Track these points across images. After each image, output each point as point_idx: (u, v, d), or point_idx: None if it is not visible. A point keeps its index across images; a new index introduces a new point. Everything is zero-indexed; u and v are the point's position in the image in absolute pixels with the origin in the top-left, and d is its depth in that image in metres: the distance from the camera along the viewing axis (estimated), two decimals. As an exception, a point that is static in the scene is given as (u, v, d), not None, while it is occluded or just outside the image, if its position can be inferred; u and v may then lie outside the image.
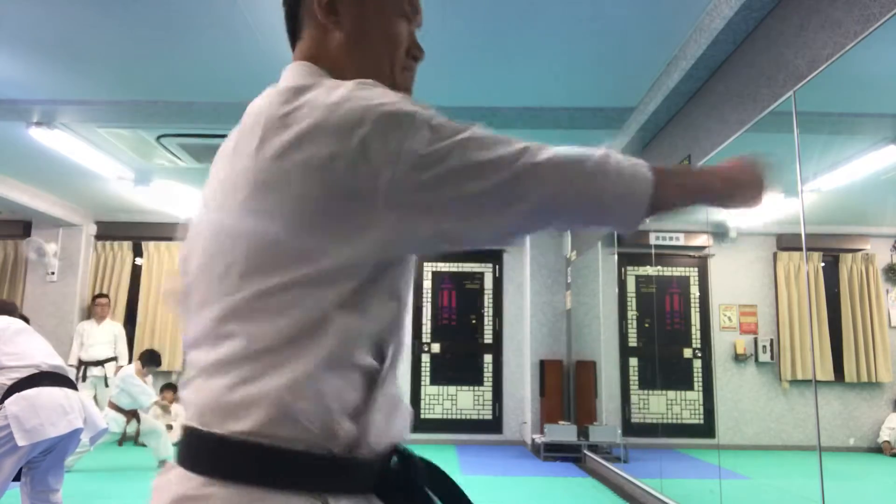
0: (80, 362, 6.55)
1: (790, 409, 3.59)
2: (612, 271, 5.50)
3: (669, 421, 4.73)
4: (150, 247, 7.56)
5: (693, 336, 4.65)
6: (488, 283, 7.64)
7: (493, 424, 7.33)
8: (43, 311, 7.16)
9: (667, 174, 0.73)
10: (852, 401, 3.20)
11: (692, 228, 4.49)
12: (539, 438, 6.27)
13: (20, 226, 7.42)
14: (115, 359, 6.69)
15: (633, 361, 5.45)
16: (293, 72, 0.81)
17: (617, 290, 5.56)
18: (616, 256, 5.51)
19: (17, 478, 2.72)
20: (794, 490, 3.25)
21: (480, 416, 7.36)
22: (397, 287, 0.73)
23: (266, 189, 0.65)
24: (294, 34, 0.86)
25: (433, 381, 7.41)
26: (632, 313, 5.55)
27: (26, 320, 3.02)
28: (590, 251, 6.17)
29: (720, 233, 4.06)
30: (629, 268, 5.40)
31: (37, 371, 2.73)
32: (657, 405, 4.88)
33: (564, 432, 6.15)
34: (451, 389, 7.40)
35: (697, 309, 4.73)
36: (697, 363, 4.66)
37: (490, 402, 7.39)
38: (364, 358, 0.70)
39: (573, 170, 0.69)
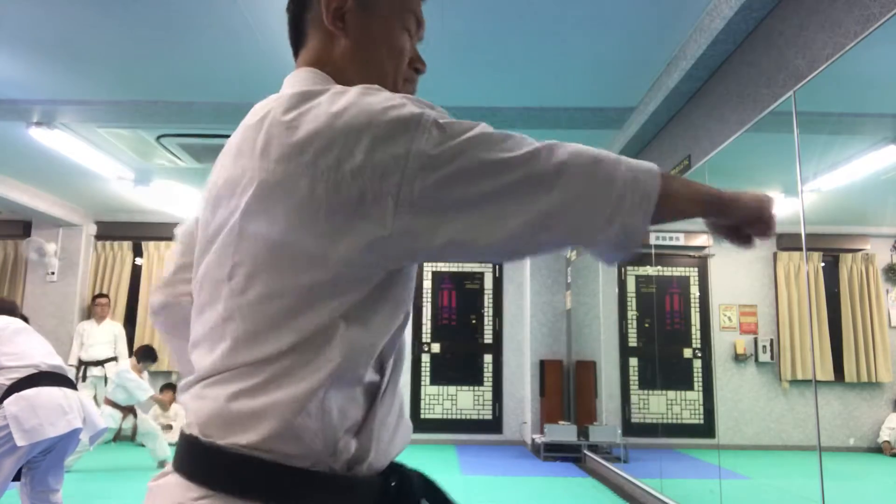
0: (80, 362, 6.55)
1: (790, 409, 3.58)
2: (612, 271, 5.50)
3: (669, 421, 4.73)
4: (150, 247, 7.56)
5: (693, 336, 4.65)
6: (488, 283, 7.64)
7: (493, 424, 7.33)
8: (43, 311, 7.16)
9: (676, 180, 0.71)
10: (852, 401, 3.20)
11: (692, 228, 4.50)
12: (539, 438, 6.27)
13: (20, 226, 7.43)
14: (115, 359, 6.68)
15: (633, 361, 5.45)
16: (298, 77, 0.80)
17: (617, 290, 5.56)
18: (616, 256, 5.49)
19: (17, 478, 2.72)
20: (794, 490, 3.25)
21: (480, 416, 7.36)
22: (402, 298, 0.72)
23: (272, 192, 0.64)
24: (297, 40, 0.85)
25: (433, 381, 7.41)
26: (632, 313, 5.55)
27: (25, 320, 3.02)
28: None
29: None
30: (629, 268, 5.40)
31: (36, 371, 2.73)
32: (657, 405, 4.88)
33: (564, 432, 6.15)
34: (451, 389, 7.40)
35: (697, 309, 4.73)
36: (697, 363, 4.66)
37: (490, 402, 7.39)
38: (367, 372, 0.70)
39: (584, 174, 0.66)
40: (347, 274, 0.65)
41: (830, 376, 3.25)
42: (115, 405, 5.33)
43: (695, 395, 4.69)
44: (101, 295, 7.00)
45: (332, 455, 0.67)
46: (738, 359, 3.83)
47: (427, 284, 7.59)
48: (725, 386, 3.81)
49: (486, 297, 7.61)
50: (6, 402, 2.61)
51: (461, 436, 7.21)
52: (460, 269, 7.63)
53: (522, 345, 7.36)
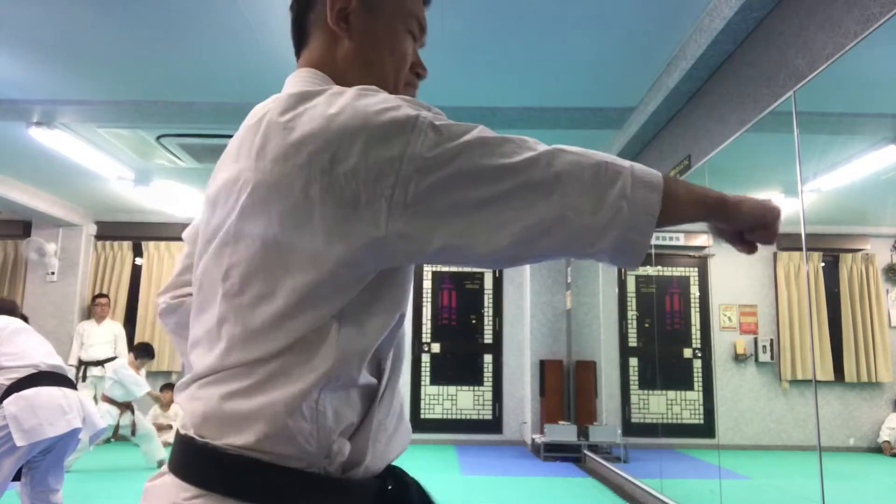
0: (80, 362, 6.56)
1: (790, 409, 3.58)
2: (612, 271, 5.50)
3: (669, 421, 4.73)
4: (150, 247, 7.56)
5: (693, 336, 4.64)
6: (488, 283, 7.64)
7: (493, 424, 7.33)
8: (43, 311, 7.16)
9: (679, 184, 0.69)
10: (852, 401, 3.20)
11: (692, 228, 4.49)
12: (539, 438, 6.27)
13: (20, 226, 7.43)
14: (115, 359, 6.68)
15: (633, 361, 5.45)
16: (298, 78, 0.80)
17: (617, 290, 5.56)
18: (616, 256, 5.49)
19: (17, 478, 2.72)
20: (794, 490, 3.25)
21: (480, 416, 7.36)
22: (397, 300, 0.72)
23: (267, 193, 0.64)
24: (300, 40, 0.85)
25: (433, 381, 7.41)
26: (632, 313, 5.54)
27: (25, 320, 3.02)
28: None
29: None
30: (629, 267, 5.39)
31: (35, 371, 2.73)
32: (657, 405, 4.88)
33: (564, 432, 6.15)
34: (451, 389, 7.40)
35: (697, 309, 4.73)
36: (697, 363, 4.66)
37: (490, 402, 7.39)
38: (363, 374, 0.70)
39: (583, 182, 0.65)
40: (342, 275, 0.64)
41: (830, 376, 3.25)
42: (112, 402, 5.33)
43: (695, 395, 4.69)
44: (101, 295, 7.00)
45: (327, 457, 0.67)
46: (738, 359, 3.83)
47: (427, 284, 7.59)
48: (725, 386, 3.81)
49: (486, 297, 7.61)
50: (6, 402, 2.61)
51: (461, 436, 7.21)
52: (460, 270, 7.62)
53: (522, 345, 7.36)
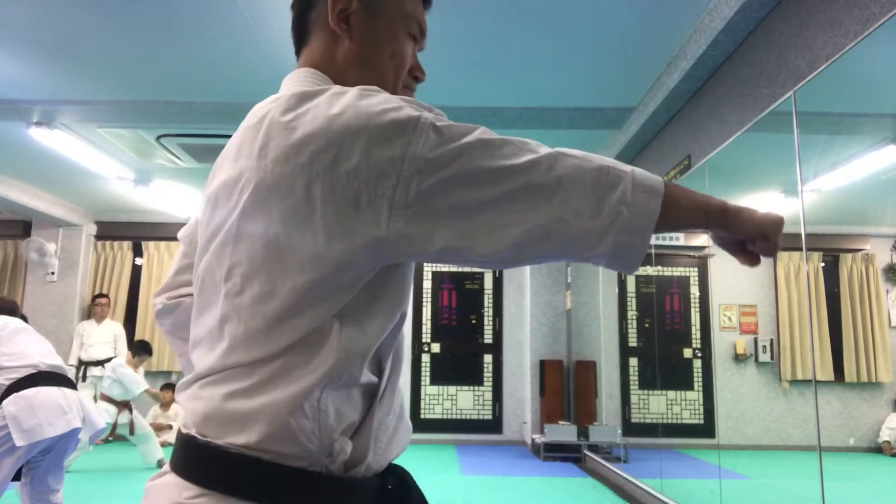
0: (80, 362, 6.56)
1: (790, 409, 3.58)
2: (612, 271, 5.49)
3: (669, 421, 4.73)
4: (150, 247, 7.56)
5: (693, 336, 4.64)
6: (488, 283, 7.64)
7: (493, 424, 7.33)
8: (43, 311, 7.17)
9: (680, 190, 0.69)
10: (852, 401, 3.20)
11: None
12: (539, 438, 6.27)
13: (20, 226, 7.43)
14: (114, 358, 6.69)
15: (633, 361, 5.45)
16: (298, 78, 0.80)
17: (617, 290, 5.56)
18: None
19: (16, 477, 2.72)
20: (794, 490, 3.25)
21: (480, 416, 7.36)
22: (397, 299, 0.72)
23: (269, 193, 0.64)
24: (300, 39, 0.85)
25: (433, 381, 7.41)
26: (632, 313, 5.54)
27: (25, 320, 3.02)
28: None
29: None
30: (629, 268, 5.39)
31: (35, 371, 2.73)
32: (657, 405, 4.88)
33: (564, 432, 6.15)
34: (451, 389, 7.40)
35: (697, 309, 4.73)
36: (697, 363, 4.66)
37: (490, 402, 7.39)
38: (364, 373, 0.70)
39: (583, 187, 0.65)
40: (342, 275, 0.65)
41: (830, 376, 3.25)
42: (110, 400, 5.32)
43: (695, 395, 4.69)
44: (101, 295, 7.00)
45: (329, 456, 0.67)
46: (738, 359, 3.83)
47: (427, 284, 7.59)
48: (725, 386, 3.81)
49: (486, 297, 7.61)
50: (5, 402, 2.61)
51: (461, 436, 7.21)
52: (460, 269, 7.63)
53: (522, 345, 7.36)
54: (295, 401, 0.64)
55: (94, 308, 6.86)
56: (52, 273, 7.27)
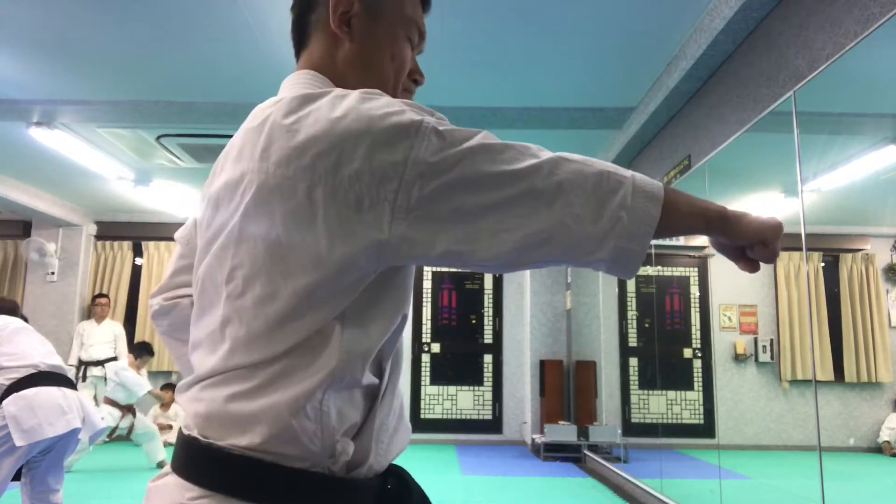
0: (81, 362, 6.55)
1: (790, 409, 3.58)
2: (612, 271, 5.48)
3: (669, 421, 4.73)
4: (150, 247, 7.56)
5: (693, 336, 4.64)
6: (488, 283, 7.64)
7: (493, 424, 7.33)
8: (43, 311, 7.17)
9: (679, 195, 0.69)
10: (852, 401, 3.20)
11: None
12: (539, 438, 6.27)
13: (20, 226, 7.43)
14: (115, 359, 6.68)
15: (633, 361, 5.45)
16: (298, 80, 0.80)
17: (617, 290, 5.56)
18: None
19: (16, 477, 2.72)
20: (794, 490, 3.25)
21: (480, 416, 7.36)
22: (399, 301, 0.72)
23: (271, 195, 0.64)
24: (300, 41, 0.85)
25: (433, 381, 7.41)
26: (632, 313, 5.54)
27: (25, 320, 3.02)
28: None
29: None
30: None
31: (35, 371, 2.73)
32: (657, 405, 4.88)
33: (564, 432, 6.15)
34: (451, 389, 7.40)
35: (697, 309, 4.73)
36: (697, 363, 4.66)
37: (490, 402, 7.39)
38: (365, 375, 0.70)
39: (584, 192, 0.65)
40: (343, 277, 0.65)
41: (830, 376, 3.25)
42: (114, 404, 5.33)
43: (695, 395, 4.69)
44: (101, 295, 7.00)
45: (331, 457, 0.67)
46: (738, 359, 3.83)
47: (427, 284, 7.60)
48: (725, 386, 3.81)
49: (486, 297, 7.61)
50: (5, 402, 2.61)
51: (461, 436, 7.21)
52: (460, 270, 7.62)
53: (522, 345, 7.36)
54: (297, 402, 0.64)
55: (94, 308, 6.86)
56: (52, 273, 7.27)
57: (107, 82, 4.13)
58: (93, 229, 7.58)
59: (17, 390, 2.64)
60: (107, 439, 6.11)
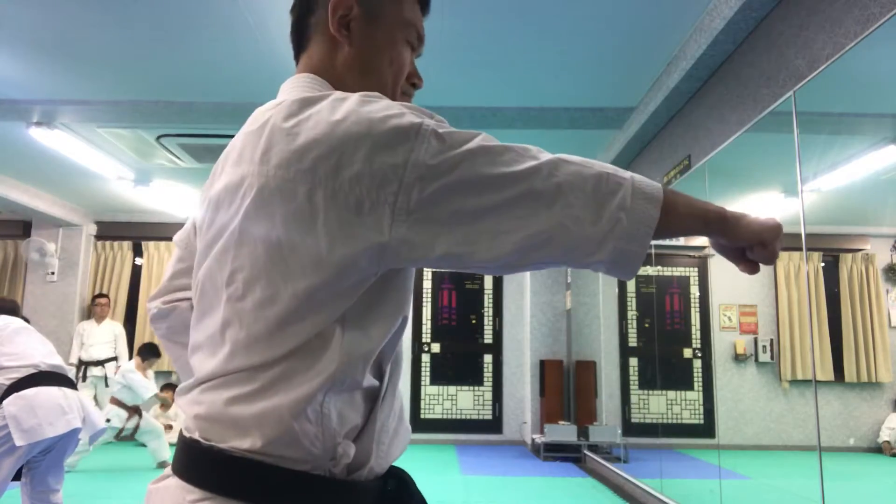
0: (81, 362, 6.55)
1: (790, 409, 3.58)
2: (612, 271, 5.48)
3: (669, 421, 4.73)
4: (150, 247, 7.56)
5: (693, 336, 4.64)
6: (488, 283, 7.64)
7: (493, 424, 7.33)
8: (43, 311, 7.17)
9: (679, 197, 0.69)
10: (852, 401, 3.20)
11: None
12: (539, 438, 6.27)
13: (20, 226, 7.43)
14: (115, 359, 6.69)
15: (633, 361, 5.45)
16: (297, 83, 0.80)
17: (617, 290, 5.56)
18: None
19: (17, 477, 2.72)
20: (794, 490, 3.25)
21: (480, 416, 7.36)
22: (399, 303, 0.72)
23: (271, 198, 0.64)
24: (299, 43, 0.85)
25: (433, 381, 7.41)
26: (632, 313, 5.54)
27: (27, 321, 3.02)
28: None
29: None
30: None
31: (35, 371, 2.73)
32: (657, 405, 4.88)
33: (564, 432, 6.15)
34: (451, 389, 7.40)
35: (697, 309, 4.73)
36: (697, 363, 4.66)
37: (490, 402, 7.39)
38: (366, 377, 0.70)
39: (583, 194, 0.65)
40: (343, 280, 0.65)
41: (830, 376, 3.25)
42: (120, 404, 5.34)
43: (695, 395, 4.69)
44: (101, 295, 7.00)
45: (332, 459, 0.67)
46: (738, 359, 3.83)
47: (427, 284, 7.60)
48: (725, 386, 3.81)
49: (486, 297, 7.61)
50: (5, 401, 2.61)
51: (461, 436, 7.21)
52: (461, 271, 7.62)
53: (522, 345, 7.36)
54: (298, 405, 0.64)
55: (94, 308, 6.86)
56: (52, 273, 7.27)
57: (107, 82, 4.14)
58: (93, 229, 7.58)
59: (17, 390, 2.64)
60: (113, 440, 6.10)
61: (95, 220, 7.59)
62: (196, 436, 0.67)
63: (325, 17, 0.81)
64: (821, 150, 2.76)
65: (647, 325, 5.34)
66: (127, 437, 5.47)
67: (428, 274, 7.63)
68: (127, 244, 7.64)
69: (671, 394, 4.79)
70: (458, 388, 7.41)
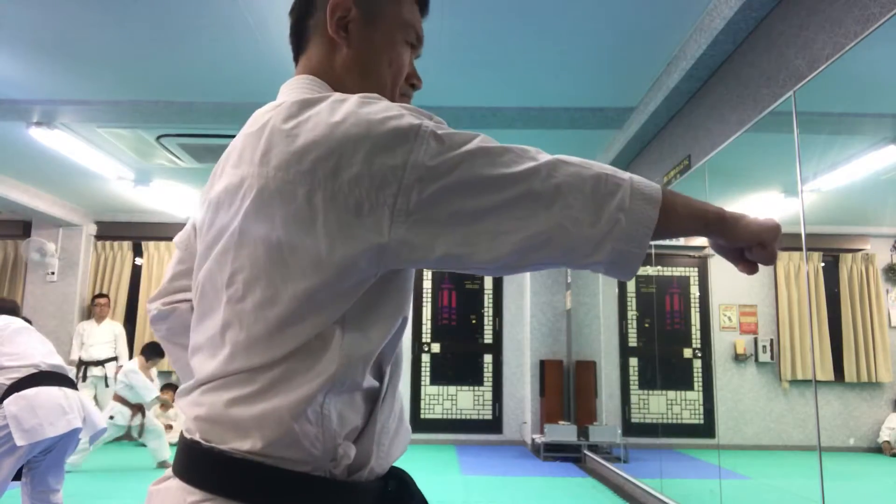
0: (81, 362, 6.56)
1: (790, 409, 3.58)
2: (612, 271, 5.48)
3: (669, 421, 4.73)
4: (150, 247, 7.56)
5: (693, 336, 4.64)
6: (488, 283, 7.64)
7: (493, 424, 7.33)
8: (43, 311, 7.17)
9: (678, 197, 0.69)
10: (852, 401, 3.20)
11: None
12: (539, 438, 6.27)
13: (20, 226, 7.43)
14: (115, 359, 6.69)
15: (633, 361, 5.45)
16: (296, 85, 0.81)
17: (617, 290, 5.56)
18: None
19: (17, 477, 2.72)
20: (794, 490, 3.25)
21: (480, 416, 7.36)
22: (399, 305, 0.72)
23: (271, 199, 0.64)
24: (298, 45, 0.85)
25: (433, 381, 7.41)
26: (632, 313, 5.54)
27: (28, 321, 3.02)
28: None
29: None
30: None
31: (36, 371, 2.73)
32: (657, 405, 4.88)
33: (564, 432, 6.15)
34: (451, 389, 7.40)
35: (697, 309, 4.73)
36: (697, 363, 4.66)
37: (490, 402, 7.39)
38: (366, 378, 0.70)
39: (582, 195, 0.65)
40: (343, 281, 0.65)
41: (830, 376, 3.25)
42: (124, 402, 5.34)
43: (695, 395, 4.69)
44: (101, 295, 7.00)
45: (333, 460, 0.67)
46: (738, 359, 3.83)
47: (427, 284, 7.60)
48: (725, 386, 3.81)
49: (486, 297, 7.61)
50: (6, 401, 2.61)
51: (461, 436, 7.21)
52: (460, 272, 7.62)
53: (522, 345, 7.36)
54: (298, 406, 0.64)
55: (94, 308, 6.86)
56: (52, 273, 7.27)
57: (107, 82, 4.14)
58: (93, 229, 7.58)
59: (17, 390, 2.64)
60: (123, 439, 6.11)
61: (95, 220, 7.59)
62: (197, 437, 0.68)
63: (324, 19, 0.81)
64: (821, 150, 2.76)
65: (647, 325, 5.34)
66: (134, 437, 5.47)
67: (428, 274, 7.63)
68: (127, 244, 7.64)
69: (671, 394, 4.79)
70: (458, 388, 7.41)
